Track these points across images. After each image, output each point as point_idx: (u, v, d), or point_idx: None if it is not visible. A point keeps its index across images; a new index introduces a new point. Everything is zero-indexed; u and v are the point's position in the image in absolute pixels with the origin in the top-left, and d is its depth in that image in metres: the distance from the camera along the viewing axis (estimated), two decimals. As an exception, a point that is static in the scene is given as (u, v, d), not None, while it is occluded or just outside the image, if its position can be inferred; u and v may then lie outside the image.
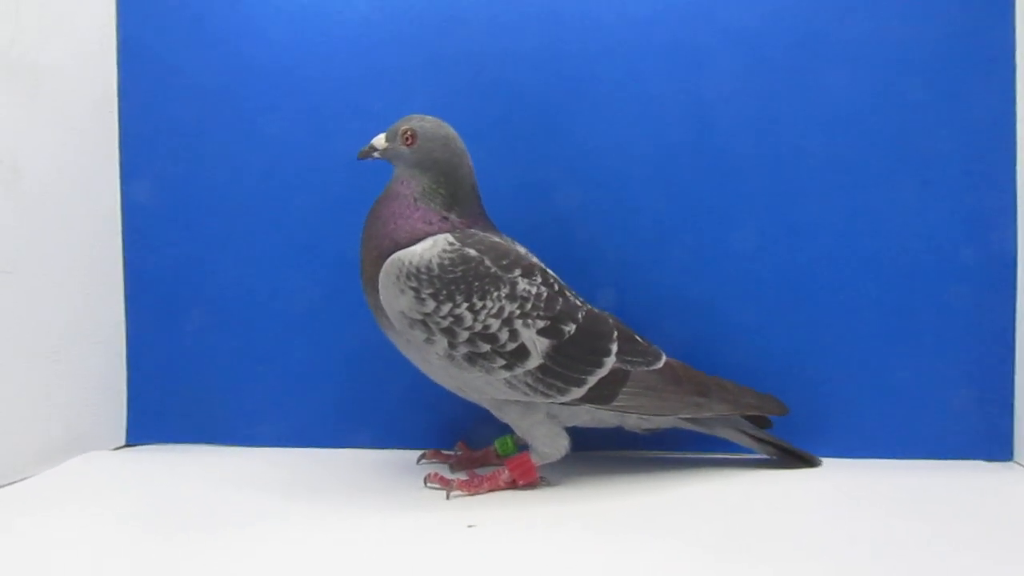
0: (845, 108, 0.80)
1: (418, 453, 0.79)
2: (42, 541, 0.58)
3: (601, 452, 0.81)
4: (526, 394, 0.67)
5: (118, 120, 0.84)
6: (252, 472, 0.75)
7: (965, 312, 0.79)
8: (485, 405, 0.71)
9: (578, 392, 0.68)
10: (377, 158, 0.70)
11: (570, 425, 0.71)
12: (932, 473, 0.74)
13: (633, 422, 0.73)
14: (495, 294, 0.66)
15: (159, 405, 0.85)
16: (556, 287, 0.70)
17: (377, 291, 0.67)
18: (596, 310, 0.72)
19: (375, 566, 0.54)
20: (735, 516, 0.64)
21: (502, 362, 0.66)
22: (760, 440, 0.76)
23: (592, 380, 0.68)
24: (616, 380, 0.69)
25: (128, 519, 0.64)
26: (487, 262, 0.67)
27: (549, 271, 0.71)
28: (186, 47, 0.84)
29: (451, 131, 0.70)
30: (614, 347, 0.69)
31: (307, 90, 0.84)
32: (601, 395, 0.69)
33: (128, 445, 0.85)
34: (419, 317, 0.65)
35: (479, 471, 0.73)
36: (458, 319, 0.65)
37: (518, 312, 0.66)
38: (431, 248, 0.66)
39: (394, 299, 0.66)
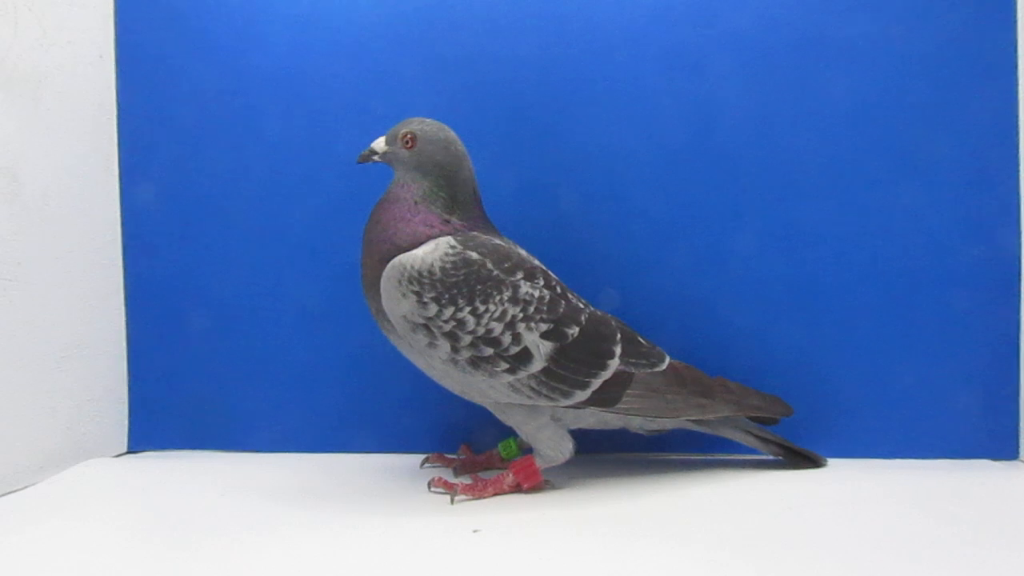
0: (849, 109, 0.80)
1: (421, 457, 0.79)
2: (45, 549, 0.58)
3: (606, 454, 0.80)
4: (530, 397, 0.67)
5: (117, 126, 0.84)
6: (255, 478, 0.75)
7: (970, 311, 0.79)
8: (489, 408, 0.71)
9: (582, 395, 0.68)
10: (377, 162, 0.70)
11: (574, 428, 0.71)
12: (938, 473, 0.74)
13: (638, 424, 0.73)
14: (498, 297, 0.66)
15: (161, 412, 0.85)
16: (559, 290, 0.69)
17: (379, 295, 0.67)
18: (599, 312, 0.71)
19: (381, 572, 0.54)
20: (742, 517, 0.64)
21: (505, 366, 0.66)
22: (766, 440, 0.75)
23: (596, 383, 0.68)
24: (620, 382, 0.69)
25: (131, 526, 0.64)
26: (489, 265, 0.66)
27: (551, 274, 0.71)
28: (185, 52, 0.84)
29: (451, 134, 0.70)
30: (618, 349, 0.69)
31: (307, 94, 0.84)
32: (605, 398, 0.68)
33: (130, 452, 0.85)
34: (421, 321, 0.65)
35: (483, 475, 0.73)
36: (461, 323, 0.65)
37: (521, 315, 0.66)
38: (433, 251, 0.66)
39: (396, 303, 0.65)
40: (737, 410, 0.73)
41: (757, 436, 0.75)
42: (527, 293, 0.67)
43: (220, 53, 0.84)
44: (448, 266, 0.65)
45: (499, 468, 0.75)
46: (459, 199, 0.69)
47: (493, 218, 0.72)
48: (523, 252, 0.71)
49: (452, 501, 0.67)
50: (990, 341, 0.78)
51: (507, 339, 0.66)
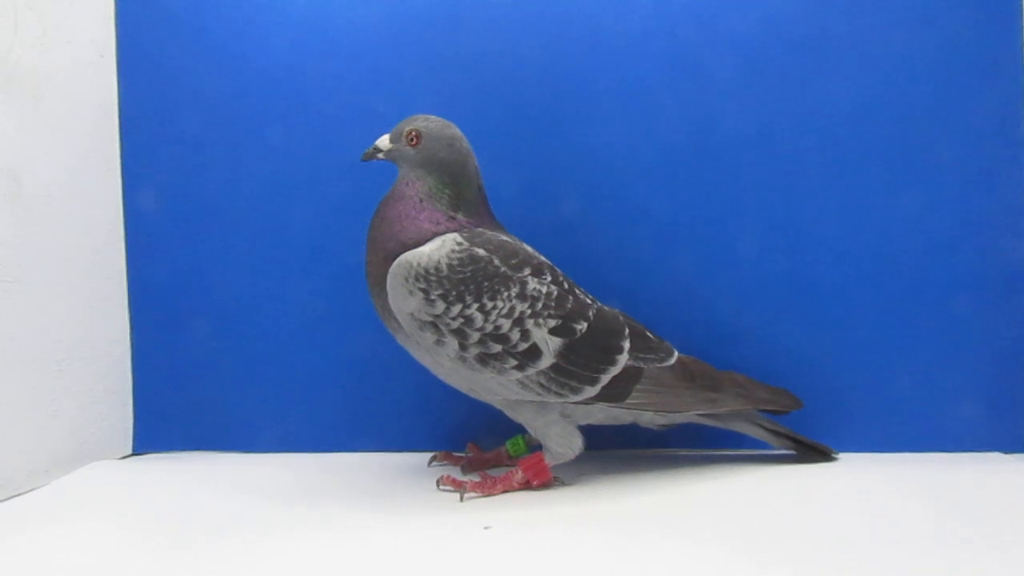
0: (852, 109, 0.79)
1: (427, 456, 0.79)
2: (51, 551, 0.58)
3: (615, 450, 0.80)
4: (539, 394, 0.67)
5: (119, 128, 0.84)
6: (261, 478, 0.74)
7: (979, 304, 0.78)
8: (498, 405, 0.70)
9: (592, 391, 0.67)
10: (381, 159, 0.70)
11: (584, 423, 0.71)
12: (948, 466, 0.74)
13: (648, 418, 0.73)
14: (505, 294, 0.66)
15: (165, 413, 0.85)
16: (566, 285, 0.69)
17: (385, 293, 0.66)
18: (607, 308, 0.71)
19: (393, 570, 0.54)
20: (753, 512, 0.64)
21: (514, 362, 0.65)
22: (777, 433, 0.75)
23: (605, 378, 0.67)
24: (630, 377, 0.68)
25: (136, 528, 0.64)
26: (496, 261, 0.66)
27: (558, 270, 0.70)
28: (187, 53, 0.84)
29: (456, 131, 0.70)
30: (626, 344, 0.69)
31: (309, 94, 0.83)
32: (615, 393, 0.68)
33: (135, 454, 0.85)
34: (429, 319, 0.65)
35: (492, 472, 0.72)
36: (469, 320, 0.65)
37: (529, 312, 0.66)
38: (439, 248, 0.65)
39: (403, 301, 0.65)
40: (746, 403, 0.72)
41: (768, 429, 0.75)
42: (535, 289, 0.67)
43: (221, 52, 0.84)
44: (455, 263, 0.65)
45: (507, 465, 0.75)
46: (464, 196, 0.69)
47: (497, 217, 0.72)
48: (529, 248, 0.70)
49: (462, 499, 0.67)
50: (998, 334, 0.78)
51: (515, 335, 0.65)
